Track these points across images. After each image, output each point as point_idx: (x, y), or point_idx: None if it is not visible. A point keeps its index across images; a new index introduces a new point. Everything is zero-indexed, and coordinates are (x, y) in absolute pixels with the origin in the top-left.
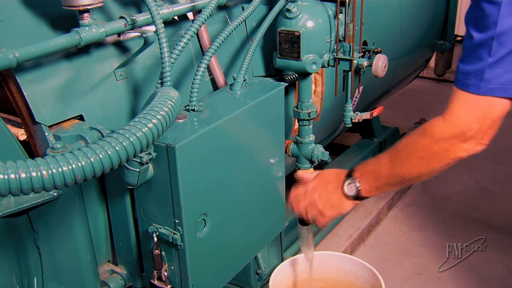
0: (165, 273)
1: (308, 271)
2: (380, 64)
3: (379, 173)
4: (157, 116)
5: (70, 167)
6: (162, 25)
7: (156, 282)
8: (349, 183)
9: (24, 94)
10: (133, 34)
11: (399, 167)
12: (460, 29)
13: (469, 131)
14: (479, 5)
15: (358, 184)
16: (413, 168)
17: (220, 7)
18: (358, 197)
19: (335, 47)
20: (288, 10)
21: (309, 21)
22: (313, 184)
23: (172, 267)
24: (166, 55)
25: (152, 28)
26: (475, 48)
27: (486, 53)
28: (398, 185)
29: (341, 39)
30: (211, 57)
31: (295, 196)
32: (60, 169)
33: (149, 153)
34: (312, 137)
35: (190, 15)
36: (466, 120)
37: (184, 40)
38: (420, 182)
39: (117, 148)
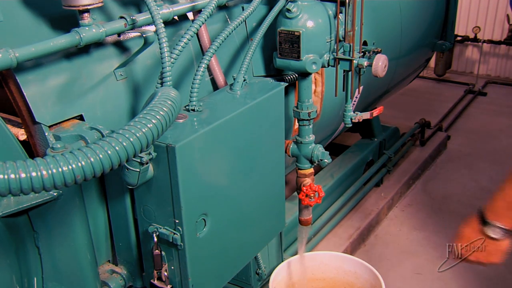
0: (165, 273)
1: (306, 271)
2: (380, 64)
3: None
4: (157, 116)
5: (70, 167)
6: (162, 25)
7: (156, 282)
8: (490, 228)
9: (24, 94)
10: (133, 34)
11: None
12: (460, 29)
13: None
14: None
15: (498, 225)
16: None
17: (220, 7)
18: (507, 232)
19: (335, 47)
20: (288, 10)
21: (309, 21)
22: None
23: (172, 267)
24: (166, 55)
25: (152, 28)
26: None
27: None
28: None
29: (341, 39)
30: (211, 57)
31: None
32: (60, 169)
33: (149, 153)
34: (312, 137)
35: (190, 15)
36: None
37: (184, 40)
38: (421, 181)
39: (117, 148)
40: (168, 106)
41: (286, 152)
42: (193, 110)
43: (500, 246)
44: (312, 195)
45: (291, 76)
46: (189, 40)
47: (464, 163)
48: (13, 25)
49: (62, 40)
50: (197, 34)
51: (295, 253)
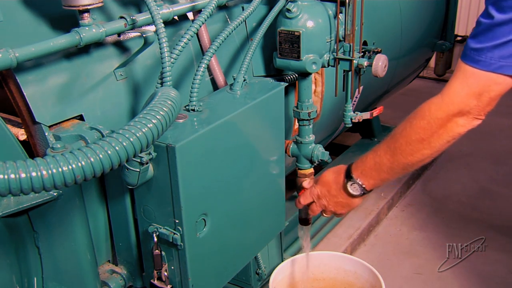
0: (165, 273)
1: (306, 271)
2: (380, 64)
3: (381, 165)
4: (157, 116)
5: (70, 167)
6: (162, 25)
7: (156, 282)
8: (351, 184)
9: (24, 94)
10: (133, 34)
11: (400, 154)
12: (460, 29)
13: (465, 107)
14: None
15: (360, 183)
16: (414, 151)
17: (220, 7)
18: (364, 193)
19: (335, 47)
20: (288, 10)
21: (309, 21)
22: (317, 191)
23: (172, 267)
24: (166, 55)
25: (152, 28)
26: (493, 27)
27: (505, 33)
28: (402, 172)
29: (341, 39)
30: (211, 57)
31: (308, 206)
32: (60, 169)
33: (149, 153)
34: (312, 137)
35: (190, 15)
36: (464, 96)
37: (184, 40)
38: (421, 181)
39: (117, 148)
40: (168, 106)
41: (286, 152)
42: (193, 110)
43: (353, 203)
44: None
45: (291, 76)
46: (189, 40)
47: (464, 163)
48: (13, 25)
49: (62, 40)
50: (197, 34)
51: (295, 253)
